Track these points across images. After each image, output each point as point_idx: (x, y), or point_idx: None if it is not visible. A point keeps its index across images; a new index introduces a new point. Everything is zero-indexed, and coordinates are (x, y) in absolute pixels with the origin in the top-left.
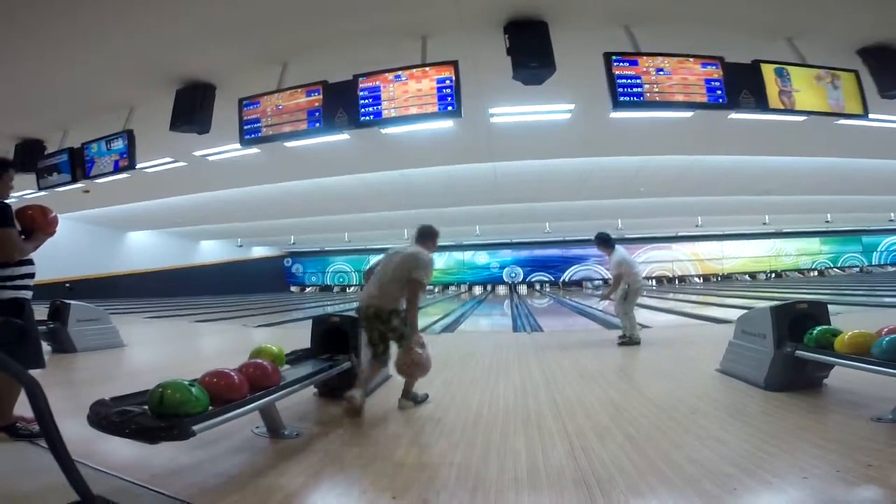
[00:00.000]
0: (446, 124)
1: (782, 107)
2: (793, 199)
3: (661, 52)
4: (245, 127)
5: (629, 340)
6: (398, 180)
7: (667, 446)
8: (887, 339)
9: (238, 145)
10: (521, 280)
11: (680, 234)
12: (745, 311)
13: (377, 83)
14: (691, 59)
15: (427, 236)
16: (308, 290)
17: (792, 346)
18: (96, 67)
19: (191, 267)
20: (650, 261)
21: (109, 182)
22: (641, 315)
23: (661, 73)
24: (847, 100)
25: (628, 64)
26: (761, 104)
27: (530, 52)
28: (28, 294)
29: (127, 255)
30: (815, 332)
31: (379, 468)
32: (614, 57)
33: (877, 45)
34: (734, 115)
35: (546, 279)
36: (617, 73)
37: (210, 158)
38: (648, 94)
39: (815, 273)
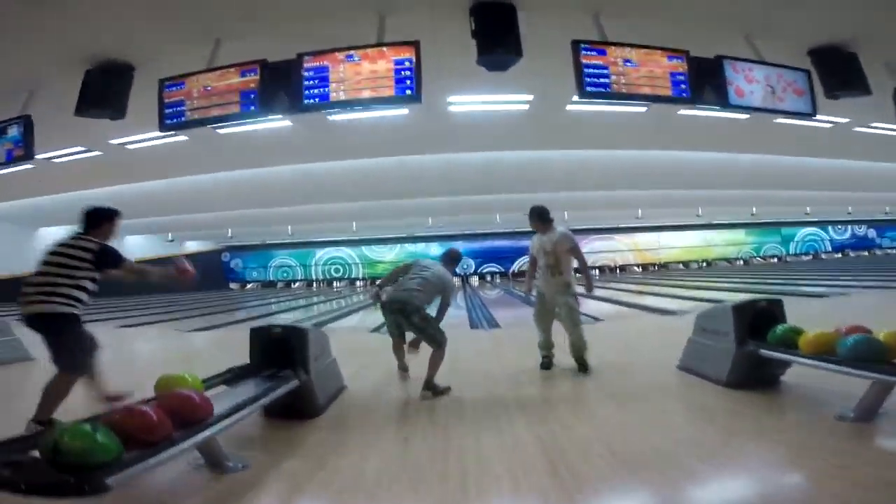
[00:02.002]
0: (401, 111)
1: (741, 103)
2: (723, 192)
3: (630, 43)
4: (166, 111)
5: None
6: (343, 170)
7: (642, 447)
8: (853, 339)
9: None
10: (472, 271)
11: (621, 225)
12: (688, 301)
13: (325, 63)
14: (658, 52)
15: (456, 261)
16: (249, 286)
17: (755, 345)
18: None
19: None
20: (594, 251)
21: (10, 173)
22: (589, 307)
23: (629, 64)
24: (797, 99)
25: (596, 53)
26: (722, 100)
27: (497, 35)
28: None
29: (38, 255)
30: (778, 330)
31: (348, 500)
32: (582, 45)
33: (825, 45)
34: (683, 112)
35: (497, 270)
36: (584, 61)
37: (129, 147)
38: (615, 85)
39: (741, 262)
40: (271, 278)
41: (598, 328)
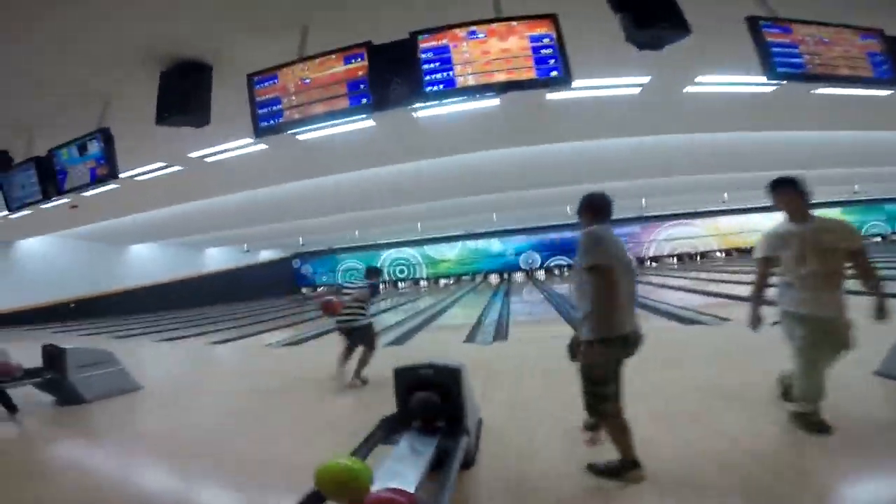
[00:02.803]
0: (493, 102)
1: None
2: (823, 171)
3: (815, 20)
4: (260, 111)
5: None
6: (417, 170)
7: None
8: None
9: (243, 142)
10: (538, 265)
11: (700, 209)
12: None
13: (444, 41)
14: (848, 30)
15: (600, 209)
16: (319, 290)
17: None
18: (54, 48)
19: (198, 276)
20: (672, 238)
21: (98, 194)
22: (693, 302)
23: (821, 42)
24: None
25: (780, 31)
26: None
27: (653, 8)
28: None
29: (131, 270)
30: None
31: None
32: (762, 22)
33: None
34: (822, 91)
35: (564, 263)
36: (770, 40)
37: (208, 160)
38: (810, 66)
39: None
40: (339, 282)
41: (734, 331)
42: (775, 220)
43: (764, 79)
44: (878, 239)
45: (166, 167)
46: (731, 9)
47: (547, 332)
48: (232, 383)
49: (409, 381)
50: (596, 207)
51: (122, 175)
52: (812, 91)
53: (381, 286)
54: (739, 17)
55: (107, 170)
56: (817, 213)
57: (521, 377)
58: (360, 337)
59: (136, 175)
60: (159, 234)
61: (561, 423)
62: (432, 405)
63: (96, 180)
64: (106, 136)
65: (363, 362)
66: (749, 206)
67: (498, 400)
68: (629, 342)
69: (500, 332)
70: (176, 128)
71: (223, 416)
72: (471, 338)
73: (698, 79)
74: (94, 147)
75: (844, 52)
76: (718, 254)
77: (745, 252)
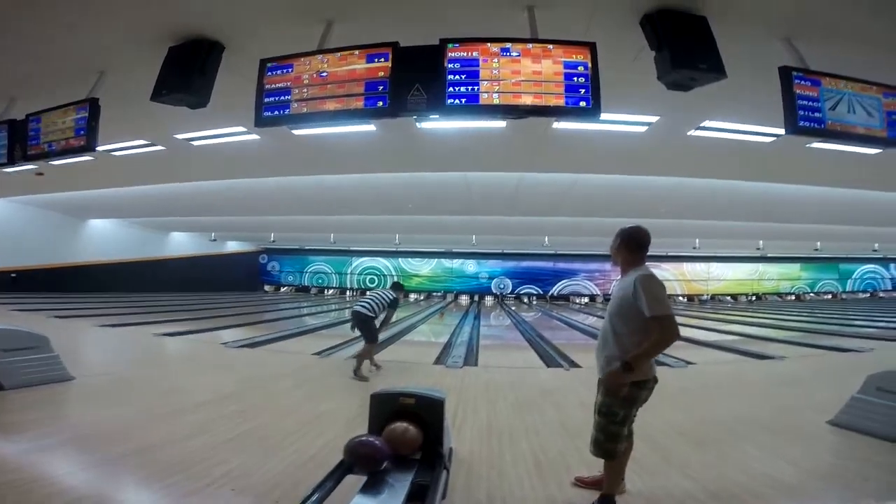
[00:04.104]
0: (499, 124)
1: None
2: (789, 226)
3: (846, 76)
4: (266, 100)
5: None
6: (409, 183)
7: None
8: None
9: (234, 129)
10: (509, 292)
11: (670, 253)
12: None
13: (474, 54)
14: (874, 87)
15: (642, 246)
16: (283, 290)
17: None
18: (58, 16)
19: (158, 260)
20: None
21: (69, 164)
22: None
23: (844, 99)
24: None
25: (810, 83)
26: None
27: (693, 49)
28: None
29: (86, 245)
30: None
31: None
32: (795, 73)
33: None
34: (816, 145)
35: (534, 292)
36: (798, 92)
37: (195, 143)
38: (830, 122)
39: (793, 297)
40: (306, 283)
41: (700, 374)
42: (735, 269)
43: (768, 129)
44: (829, 296)
45: (148, 146)
46: (758, 56)
47: (516, 360)
48: (176, 383)
49: (388, 408)
50: (640, 244)
51: (99, 148)
52: (808, 145)
53: (398, 300)
54: (763, 64)
55: (84, 141)
56: (779, 268)
57: (492, 406)
58: (360, 326)
59: (114, 150)
60: (125, 212)
61: (531, 456)
62: (378, 458)
63: (71, 150)
64: (92, 107)
65: (361, 357)
66: (715, 253)
67: (468, 427)
68: (654, 383)
69: (470, 357)
70: (168, 106)
71: (157, 419)
72: (440, 359)
73: (705, 123)
74: (78, 116)
75: (864, 111)
76: (681, 298)
77: (704, 302)
